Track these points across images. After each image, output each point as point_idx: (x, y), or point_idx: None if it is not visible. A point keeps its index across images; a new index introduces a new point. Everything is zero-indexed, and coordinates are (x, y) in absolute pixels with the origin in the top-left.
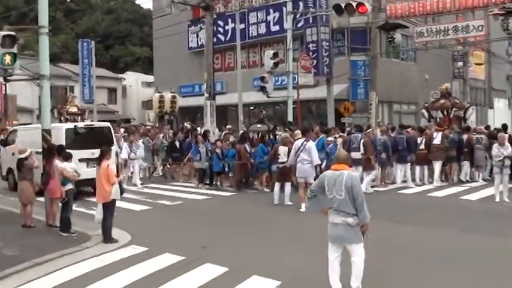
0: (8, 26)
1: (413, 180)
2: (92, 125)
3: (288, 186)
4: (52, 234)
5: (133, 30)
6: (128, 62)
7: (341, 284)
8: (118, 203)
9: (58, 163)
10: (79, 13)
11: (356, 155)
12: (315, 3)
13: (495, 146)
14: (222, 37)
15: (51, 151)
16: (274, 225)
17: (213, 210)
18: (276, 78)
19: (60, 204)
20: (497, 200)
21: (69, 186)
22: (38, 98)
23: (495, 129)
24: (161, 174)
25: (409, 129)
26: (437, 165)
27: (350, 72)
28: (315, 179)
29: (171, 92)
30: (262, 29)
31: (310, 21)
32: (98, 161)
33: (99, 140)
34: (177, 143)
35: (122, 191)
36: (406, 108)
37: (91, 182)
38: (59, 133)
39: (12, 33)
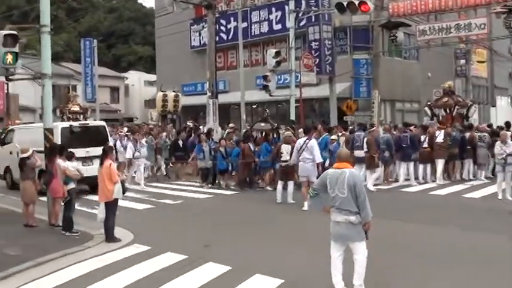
0: (9, 25)
1: (416, 178)
2: (87, 124)
3: (290, 184)
4: (54, 234)
5: (135, 29)
6: (130, 61)
7: (344, 283)
8: (120, 202)
9: (60, 162)
10: (81, 12)
11: (359, 153)
12: (317, 1)
13: (497, 143)
14: (224, 36)
15: (53, 150)
16: (277, 223)
17: (216, 209)
18: (279, 76)
19: (63, 204)
20: (499, 197)
21: (72, 185)
22: (40, 97)
23: (498, 127)
24: (165, 173)
25: (411, 127)
26: (439, 164)
27: (352, 71)
28: (317, 178)
29: (174, 91)
30: (265, 28)
31: (313, 19)
32: (101, 160)
33: (95, 138)
34: (180, 142)
35: (124, 190)
36: (409, 106)
37: (87, 179)
38: (55, 132)
39: (14, 32)
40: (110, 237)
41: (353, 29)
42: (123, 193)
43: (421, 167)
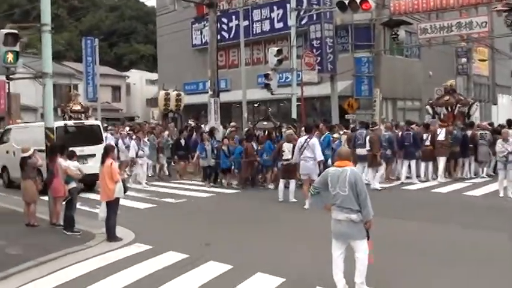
0: (10, 24)
1: (418, 176)
2: (82, 123)
3: (292, 183)
4: (56, 233)
5: (137, 27)
6: (132, 60)
7: (345, 280)
8: (122, 201)
9: (61, 161)
10: (83, 11)
11: (361, 151)
12: (319, 0)
13: (499, 141)
14: (225, 34)
15: (54, 149)
16: (279, 222)
17: (217, 207)
18: (280, 75)
19: (64, 203)
20: (501, 195)
21: (73, 184)
22: (41, 96)
23: (499, 125)
24: (167, 173)
25: (413, 126)
26: (441, 161)
27: (354, 69)
28: (318, 176)
29: (176, 90)
30: (266, 26)
31: (314, 18)
32: (102, 159)
33: (89, 137)
34: (182, 141)
35: (126, 189)
36: (410, 104)
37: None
38: None
39: (15, 31)
40: (111, 236)
41: (354, 27)
42: (124, 192)
43: (422, 165)
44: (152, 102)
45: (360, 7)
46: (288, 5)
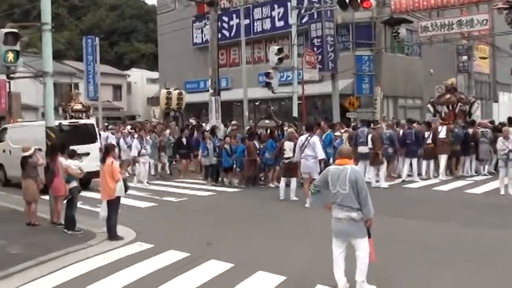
0: (10, 23)
1: (419, 174)
2: (77, 122)
3: (293, 181)
4: (57, 232)
5: (138, 26)
6: (132, 59)
7: (346, 279)
8: (123, 200)
9: (62, 160)
10: (83, 10)
11: (363, 149)
12: None
13: (500, 139)
14: (226, 33)
15: (54, 148)
16: (280, 220)
17: (219, 206)
18: (281, 73)
19: (65, 202)
20: (502, 193)
21: (74, 183)
22: (42, 95)
23: (500, 123)
24: (168, 172)
25: (414, 124)
26: (443, 159)
27: (355, 67)
28: (319, 174)
29: (177, 89)
30: (267, 25)
31: (315, 16)
32: (102, 158)
33: (84, 136)
34: (184, 140)
35: (127, 188)
36: (411, 102)
37: None
38: (43, 130)
39: (15, 30)
40: (112, 235)
41: (355, 26)
42: (125, 191)
43: (424, 163)
44: (153, 101)
45: (361, 5)
46: (288, 4)
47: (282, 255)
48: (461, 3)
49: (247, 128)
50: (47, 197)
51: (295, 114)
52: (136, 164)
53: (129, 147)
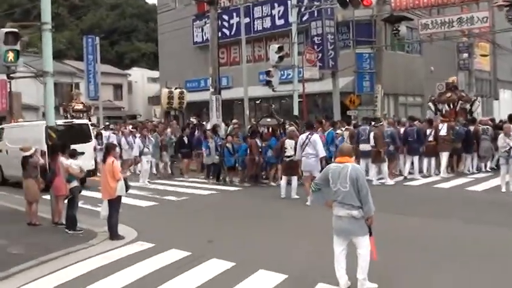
0: (11, 23)
1: (421, 171)
2: (71, 122)
3: (294, 179)
4: (58, 232)
5: (138, 25)
6: (133, 58)
7: (347, 277)
8: (124, 199)
9: (63, 160)
10: (83, 9)
11: (365, 147)
12: None
13: (501, 136)
14: (227, 31)
15: (55, 148)
16: (281, 219)
17: (220, 205)
18: (282, 72)
19: (66, 202)
20: (503, 190)
21: (75, 183)
22: (43, 95)
23: (500, 121)
24: (170, 171)
25: (415, 122)
26: (444, 157)
27: (355, 65)
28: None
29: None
30: (267, 23)
31: (315, 14)
32: (103, 157)
33: (78, 136)
34: (185, 139)
35: (128, 187)
36: (412, 100)
37: None
38: (40, 130)
39: (15, 30)
40: (113, 234)
41: (355, 24)
42: (126, 190)
43: (425, 160)
44: (154, 100)
45: (361, 3)
46: (288, 2)
47: (283, 254)
48: (461, 1)
49: (249, 126)
50: (48, 197)
51: (295, 112)
52: (138, 163)
53: (131, 146)
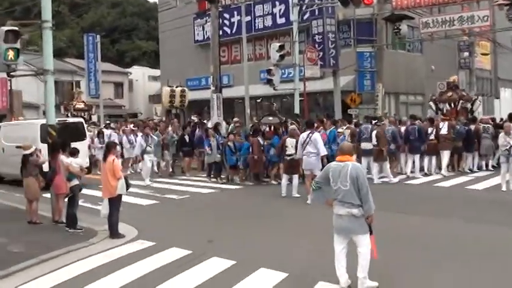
0: (11, 21)
1: (421, 170)
2: (66, 120)
3: (295, 178)
4: (58, 231)
5: (139, 24)
6: (134, 56)
7: (348, 275)
8: (125, 198)
9: (64, 158)
10: (84, 7)
11: (367, 145)
12: None
13: (502, 135)
14: (228, 30)
15: (55, 146)
16: (282, 217)
17: (221, 203)
18: (283, 70)
19: (66, 200)
20: (503, 189)
21: (75, 181)
22: (43, 93)
23: (501, 119)
24: (170, 169)
25: (417, 121)
26: (445, 155)
27: (356, 64)
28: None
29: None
30: (268, 22)
31: (316, 13)
32: (104, 155)
33: (73, 134)
34: (187, 137)
35: (128, 185)
36: (413, 99)
37: None
38: (35, 128)
39: (15, 28)
40: (114, 233)
41: (356, 22)
42: (127, 189)
43: (426, 158)
44: (155, 98)
45: (362, 2)
46: (290, 0)
47: (284, 252)
48: (462, 0)
49: (251, 125)
50: (48, 195)
51: (296, 111)
52: (140, 162)
53: (132, 145)
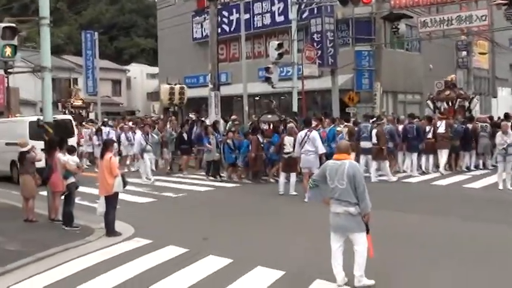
0: (9, 18)
1: (419, 169)
2: (55, 117)
3: (293, 176)
4: (55, 229)
5: (138, 21)
6: (132, 54)
7: (344, 273)
8: (122, 196)
9: (60, 156)
10: (83, 4)
11: (366, 144)
12: None
13: (499, 134)
14: (226, 27)
15: (52, 144)
16: (279, 215)
17: (218, 201)
18: (281, 69)
19: (63, 198)
20: (500, 187)
21: (71, 179)
22: (40, 90)
23: (498, 118)
24: (169, 167)
25: (415, 120)
26: (443, 154)
27: (355, 63)
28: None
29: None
30: (267, 20)
31: (315, 11)
32: (101, 153)
33: (61, 131)
34: (185, 135)
35: (125, 183)
36: (411, 98)
37: None
38: (23, 125)
39: (13, 24)
40: (110, 231)
41: (355, 21)
42: (124, 186)
43: (423, 157)
44: (153, 96)
45: (361, 1)
46: None
47: (281, 250)
48: None
49: (250, 123)
50: (44, 193)
51: (295, 109)
52: (139, 159)
53: (130, 142)
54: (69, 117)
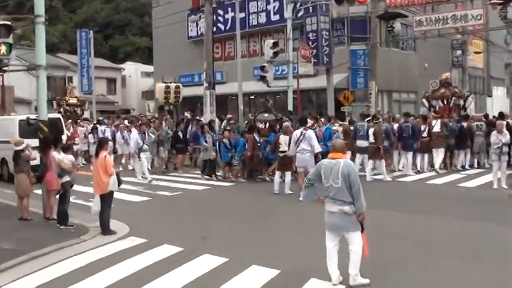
0: (4, 16)
1: (414, 167)
2: None
3: (288, 175)
4: (49, 227)
5: (133, 19)
6: (127, 52)
7: (339, 272)
8: (116, 194)
9: (55, 155)
10: (78, 2)
11: (362, 143)
12: None
13: (494, 133)
14: (221, 26)
15: (47, 142)
16: (274, 214)
17: (213, 200)
18: (276, 67)
19: (58, 197)
20: (495, 187)
21: (66, 178)
22: (35, 88)
23: (494, 116)
24: (164, 166)
25: (410, 118)
26: (439, 153)
27: (350, 62)
28: None
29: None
30: (263, 18)
31: (310, 10)
32: (96, 151)
33: (51, 130)
34: (180, 134)
35: (120, 182)
36: (406, 97)
37: None
38: (13, 124)
39: (8, 22)
40: (105, 230)
41: (350, 20)
42: (119, 185)
43: (418, 156)
44: (148, 94)
45: (356, 0)
46: None
47: (276, 249)
48: None
49: (246, 121)
50: (39, 192)
51: (290, 108)
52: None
53: (126, 141)
54: (59, 116)
